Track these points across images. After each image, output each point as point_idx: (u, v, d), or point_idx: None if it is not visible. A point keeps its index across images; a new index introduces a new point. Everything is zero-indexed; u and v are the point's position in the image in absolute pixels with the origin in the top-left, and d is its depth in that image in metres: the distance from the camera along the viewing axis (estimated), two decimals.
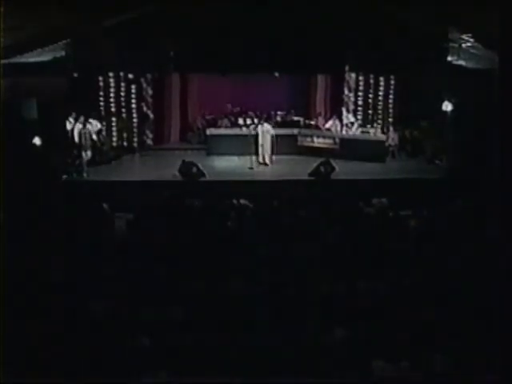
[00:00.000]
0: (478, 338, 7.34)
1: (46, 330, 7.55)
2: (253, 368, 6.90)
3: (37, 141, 15.30)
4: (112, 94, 19.06)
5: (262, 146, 18.10)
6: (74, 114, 17.21)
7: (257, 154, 18.07)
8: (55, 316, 7.98)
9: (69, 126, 17.08)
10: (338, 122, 19.34)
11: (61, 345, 7.24)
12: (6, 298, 7.09)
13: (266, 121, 19.02)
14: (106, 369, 6.84)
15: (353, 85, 19.77)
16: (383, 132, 19.39)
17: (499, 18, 7.45)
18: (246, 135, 18.85)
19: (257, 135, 18.18)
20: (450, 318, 8.01)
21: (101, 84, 18.96)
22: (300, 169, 17.21)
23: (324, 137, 19.06)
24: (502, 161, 6.92)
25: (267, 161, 18.08)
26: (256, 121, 19.66)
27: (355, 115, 19.89)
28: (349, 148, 18.46)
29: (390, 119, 19.91)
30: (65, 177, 16.12)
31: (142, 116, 19.64)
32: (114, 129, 19.35)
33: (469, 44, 15.31)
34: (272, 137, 18.08)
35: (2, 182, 9.48)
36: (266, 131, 18.15)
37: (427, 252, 10.60)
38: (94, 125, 18.08)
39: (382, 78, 19.67)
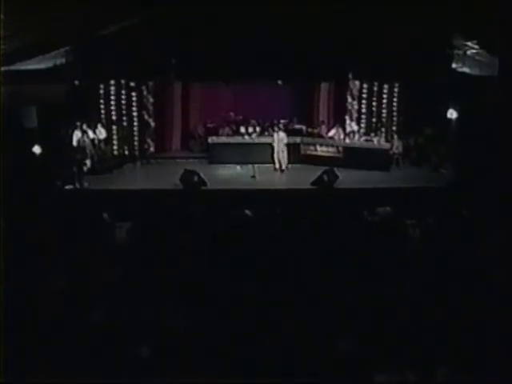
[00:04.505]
0: (481, 351, 7.17)
1: (47, 331, 7.52)
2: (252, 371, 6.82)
3: (36, 149, 15.19)
4: (113, 102, 19.02)
5: (278, 153, 18.28)
6: (74, 122, 17.09)
7: (273, 161, 18.30)
8: (55, 322, 7.87)
9: (70, 135, 16.98)
10: (341, 131, 19.23)
11: (61, 345, 7.20)
12: (7, 300, 7.08)
13: (280, 129, 18.97)
14: (105, 369, 6.82)
15: (356, 93, 19.73)
16: (387, 140, 19.27)
17: (498, 23, 7.37)
18: (248, 143, 18.85)
19: (272, 143, 18.43)
20: (453, 328, 7.85)
21: (101, 92, 18.89)
22: (303, 177, 17.08)
23: (327, 145, 18.98)
24: (502, 167, 6.84)
25: (283, 167, 18.29)
26: (258, 129, 19.60)
27: (359, 123, 19.82)
28: (352, 156, 18.36)
29: (394, 127, 19.82)
30: (65, 186, 15.97)
31: (143, 124, 19.57)
32: (114, 137, 19.27)
33: (473, 51, 15.21)
34: (287, 145, 18.33)
35: (1, 189, 9.38)
36: (281, 139, 18.32)
37: (432, 261, 10.43)
38: (100, 132, 18.05)
39: (385, 86, 19.58)
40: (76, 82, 16.49)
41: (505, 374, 6.19)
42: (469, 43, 14.89)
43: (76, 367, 6.80)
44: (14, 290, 7.81)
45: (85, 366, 6.84)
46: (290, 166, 18.47)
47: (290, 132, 19.48)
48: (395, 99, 19.70)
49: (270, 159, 18.41)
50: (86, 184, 16.34)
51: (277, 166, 18.34)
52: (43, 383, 6.55)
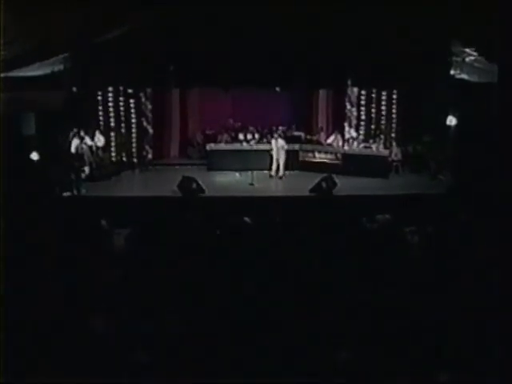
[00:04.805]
0: (481, 351, 7.13)
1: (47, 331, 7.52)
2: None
3: (35, 156, 15.12)
4: (111, 109, 18.96)
5: (277, 160, 18.27)
6: (72, 129, 17.05)
7: (270, 168, 18.29)
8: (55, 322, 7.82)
9: (68, 141, 16.94)
10: (339, 137, 19.21)
11: (61, 346, 7.19)
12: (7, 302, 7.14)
13: (280, 136, 18.93)
14: (105, 369, 6.81)
15: (355, 99, 19.69)
16: (386, 147, 19.23)
17: (498, 29, 7.37)
18: (246, 150, 18.85)
19: (271, 150, 18.40)
20: (453, 334, 7.80)
21: (100, 98, 18.84)
22: (301, 184, 17.00)
23: (326, 152, 18.96)
24: (502, 174, 6.85)
25: (281, 173, 18.28)
26: (257, 136, 19.61)
27: (357, 130, 19.79)
28: (351, 163, 18.32)
29: (393, 134, 19.78)
30: (63, 192, 15.90)
31: (142, 131, 19.53)
32: (113, 144, 19.21)
33: (472, 58, 15.20)
34: (286, 152, 18.34)
35: (1, 192, 9.41)
36: (280, 147, 18.30)
37: (431, 267, 10.38)
38: (98, 139, 18.02)
39: (384, 93, 19.57)
40: (74, 89, 16.45)
41: (505, 374, 6.21)
42: (467, 50, 14.87)
43: (76, 367, 6.78)
44: (14, 291, 7.84)
45: (85, 366, 6.82)
46: (287, 172, 18.48)
47: (288, 139, 19.45)
48: (394, 106, 19.70)
49: (268, 166, 18.41)
50: (84, 191, 16.25)
51: (273, 173, 18.33)
52: (43, 383, 6.54)
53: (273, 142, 18.52)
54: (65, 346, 7.15)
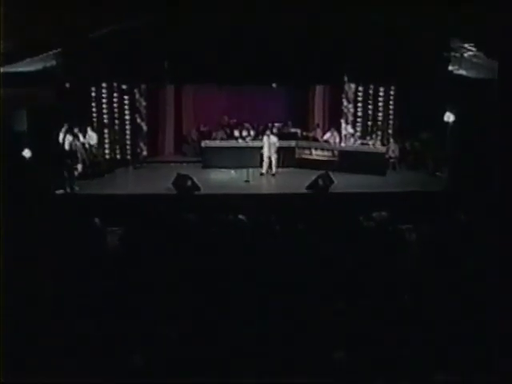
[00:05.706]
0: (481, 350, 7.18)
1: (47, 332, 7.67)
2: None
3: (26, 153, 14.96)
4: (105, 105, 18.86)
5: (269, 157, 18.11)
6: (65, 126, 16.89)
7: (261, 165, 18.08)
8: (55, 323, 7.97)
9: (60, 138, 16.78)
10: (336, 134, 19.10)
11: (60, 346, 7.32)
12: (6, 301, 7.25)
13: (272, 133, 18.82)
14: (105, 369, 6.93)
15: (352, 96, 19.60)
16: (383, 144, 19.17)
17: (500, 27, 7.33)
18: (242, 147, 18.78)
19: (263, 147, 18.19)
20: (452, 334, 7.81)
21: (93, 95, 18.71)
22: (298, 182, 16.90)
23: (322, 149, 18.84)
24: (501, 171, 6.83)
25: (273, 171, 18.12)
26: (252, 133, 19.49)
27: (354, 127, 19.69)
28: (348, 160, 18.24)
29: (390, 131, 19.70)
30: (55, 190, 15.75)
31: (136, 127, 19.41)
32: (106, 141, 19.11)
33: (470, 53, 15.09)
34: (278, 149, 18.18)
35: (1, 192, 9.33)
36: (272, 143, 18.13)
37: (429, 266, 10.30)
38: (90, 137, 17.90)
39: (381, 89, 19.47)
40: (67, 85, 16.27)
41: (505, 374, 6.33)
42: (466, 45, 14.76)
43: (76, 367, 6.87)
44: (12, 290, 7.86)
45: (85, 366, 6.91)
46: (284, 170, 18.38)
47: (284, 135, 19.35)
48: (391, 102, 19.63)
49: (259, 163, 18.21)
50: (76, 188, 16.14)
51: (264, 170, 18.14)
52: (43, 383, 6.64)
53: (265, 138, 18.32)
54: (63, 346, 7.26)
